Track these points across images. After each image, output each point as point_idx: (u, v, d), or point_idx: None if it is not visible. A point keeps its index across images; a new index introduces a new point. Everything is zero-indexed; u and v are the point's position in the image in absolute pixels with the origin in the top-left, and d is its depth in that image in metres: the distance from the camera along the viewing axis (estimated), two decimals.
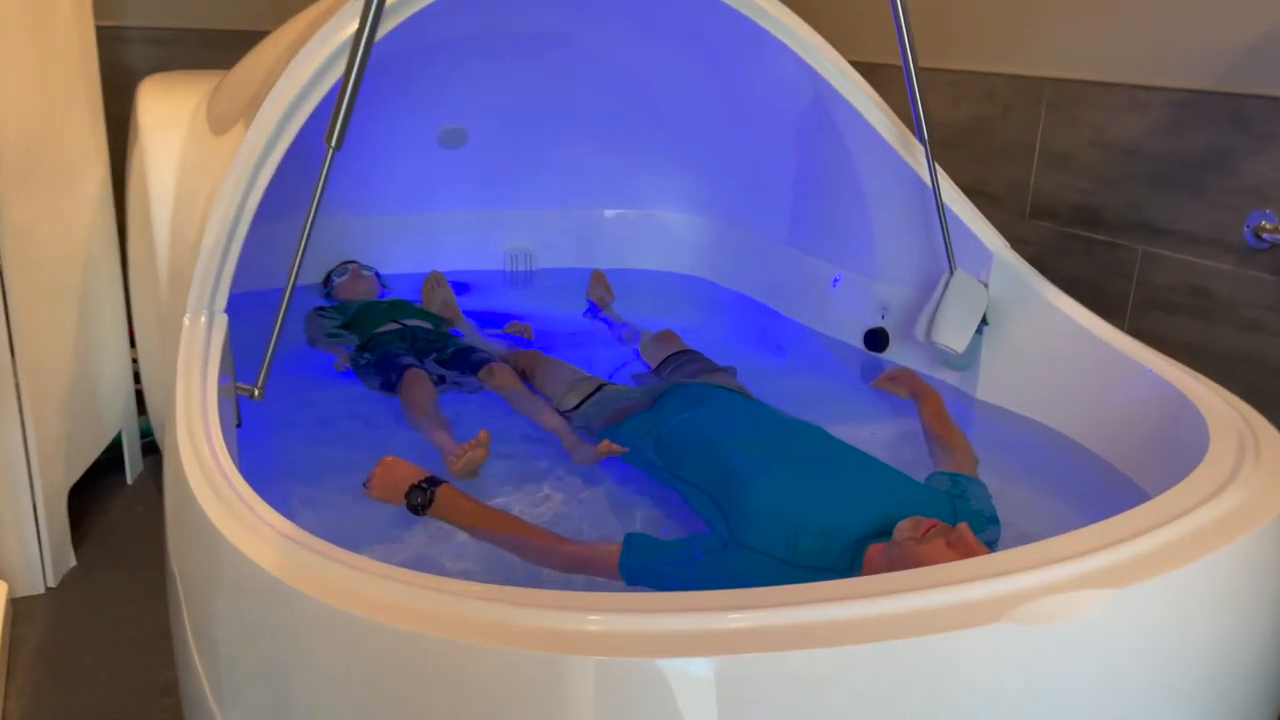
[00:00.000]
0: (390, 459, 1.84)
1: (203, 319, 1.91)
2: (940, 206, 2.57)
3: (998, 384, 2.63)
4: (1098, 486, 2.23)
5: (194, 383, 1.73)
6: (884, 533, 1.58)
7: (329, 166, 1.91)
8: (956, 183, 2.62)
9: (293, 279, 1.97)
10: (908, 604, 1.23)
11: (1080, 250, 2.83)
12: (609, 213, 3.88)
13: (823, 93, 2.78)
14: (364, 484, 1.83)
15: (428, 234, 3.72)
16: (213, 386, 1.75)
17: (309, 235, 1.97)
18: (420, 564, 1.78)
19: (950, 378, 2.78)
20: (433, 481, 1.77)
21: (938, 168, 2.55)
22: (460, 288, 3.49)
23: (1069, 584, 1.30)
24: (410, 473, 1.79)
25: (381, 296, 3.33)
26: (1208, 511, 1.46)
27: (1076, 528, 2.11)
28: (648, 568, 1.60)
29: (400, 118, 3.47)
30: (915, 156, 2.71)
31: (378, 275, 3.46)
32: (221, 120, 2.57)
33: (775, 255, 3.44)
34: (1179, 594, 1.33)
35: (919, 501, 1.70)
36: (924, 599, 1.24)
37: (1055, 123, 2.87)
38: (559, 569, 1.68)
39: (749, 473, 1.78)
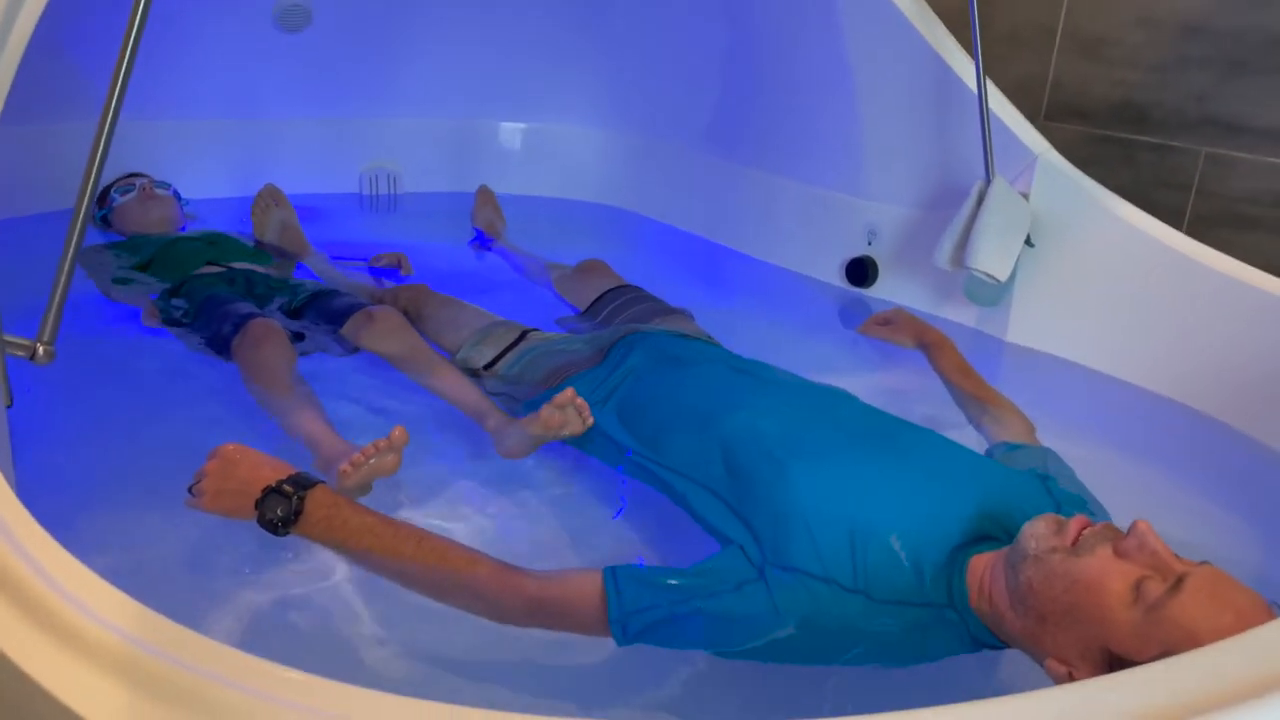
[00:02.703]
0: (230, 448, 1.22)
1: None
2: (983, 93, 1.99)
3: (1037, 323, 2.15)
4: (1215, 452, 1.80)
5: None
6: (983, 538, 1.14)
7: None
8: None
9: (96, 161, 1.22)
10: None
11: (1118, 157, 2.37)
12: (503, 125, 3.14)
13: None
14: (190, 489, 1.22)
15: (255, 148, 2.90)
16: None
17: (124, 82, 1.22)
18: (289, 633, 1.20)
19: (965, 317, 2.26)
20: (300, 482, 1.16)
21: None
22: (304, 214, 2.67)
23: None
24: (263, 469, 1.19)
25: (184, 229, 2.48)
26: None
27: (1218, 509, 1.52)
28: (653, 617, 1.08)
29: None
30: (931, 29, 2.13)
31: (178, 196, 2.54)
32: None
33: (711, 174, 2.81)
34: None
35: (1014, 489, 1.24)
36: None
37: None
38: (509, 619, 1.13)
39: (779, 458, 1.25)
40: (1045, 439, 1.54)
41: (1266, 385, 1.77)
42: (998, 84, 2.08)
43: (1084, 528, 1.03)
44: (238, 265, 2.14)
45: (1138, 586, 0.94)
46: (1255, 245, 2.13)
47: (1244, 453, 1.76)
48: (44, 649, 0.69)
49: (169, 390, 1.80)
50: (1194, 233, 2.20)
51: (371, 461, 1.36)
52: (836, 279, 2.47)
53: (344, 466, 1.36)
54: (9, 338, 1.19)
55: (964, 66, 2.12)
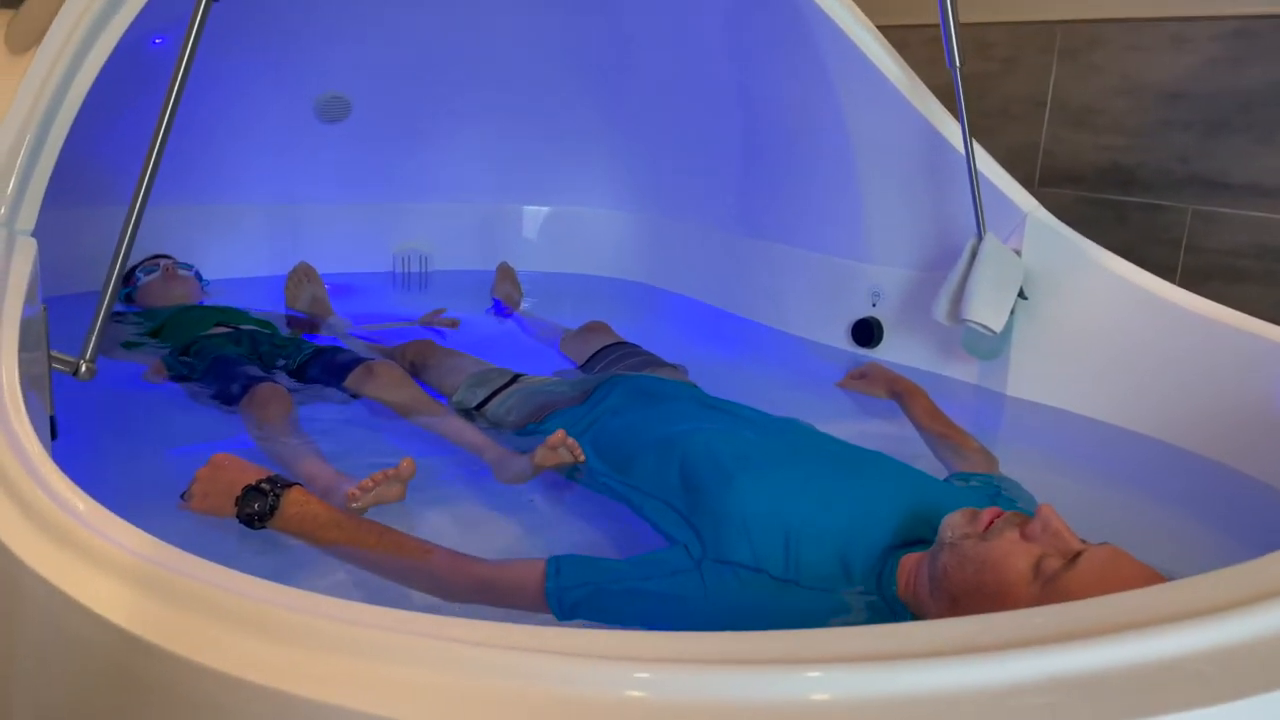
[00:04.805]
0: (220, 455, 1.36)
1: None
2: (971, 156, 2.10)
3: (1035, 375, 2.19)
4: (1217, 490, 1.81)
5: None
6: (916, 541, 1.22)
7: (202, 19, 1.28)
8: None
9: (138, 201, 1.32)
10: None
11: (1110, 218, 2.45)
12: (527, 209, 3.31)
13: (788, 27, 2.31)
14: (182, 495, 1.35)
15: (295, 230, 3.08)
16: (10, 327, 1.07)
17: (164, 138, 1.34)
18: None
19: (967, 374, 2.31)
20: (278, 482, 1.29)
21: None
22: (339, 290, 2.82)
23: None
24: (248, 472, 1.32)
25: (208, 303, 2.60)
26: None
27: (1212, 550, 1.57)
28: (587, 591, 1.18)
29: (264, 79, 2.82)
30: (923, 100, 2.26)
31: (199, 276, 2.71)
32: (24, 36, 1.88)
33: (723, 246, 2.93)
34: None
35: (957, 500, 1.30)
36: None
37: (1070, 73, 2.50)
38: (460, 597, 1.23)
39: (728, 470, 1.35)
40: (1051, 486, 1.59)
41: (1261, 424, 1.81)
42: (993, 155, 2.19)
43: (996, 517, 1.10)
44: (244, 327, 2.26)
45: (1038, 564, 1.01)
46: (1245, 296, 2.19)
47: (1244, 490, 1.78)
48: (65, 563, 0.79)
49: (169, 427, 1.88)
50: (1186, 287, 2.26)
51: (379, 489, 1.42)
52: (844, 341, 2.55)
53: (352, 490, 1.42)
54: (56, 354, 1.32)
55: (956, 134, 2.23)
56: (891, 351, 2.45)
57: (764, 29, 2.51)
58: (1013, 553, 1.03)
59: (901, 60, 2.26)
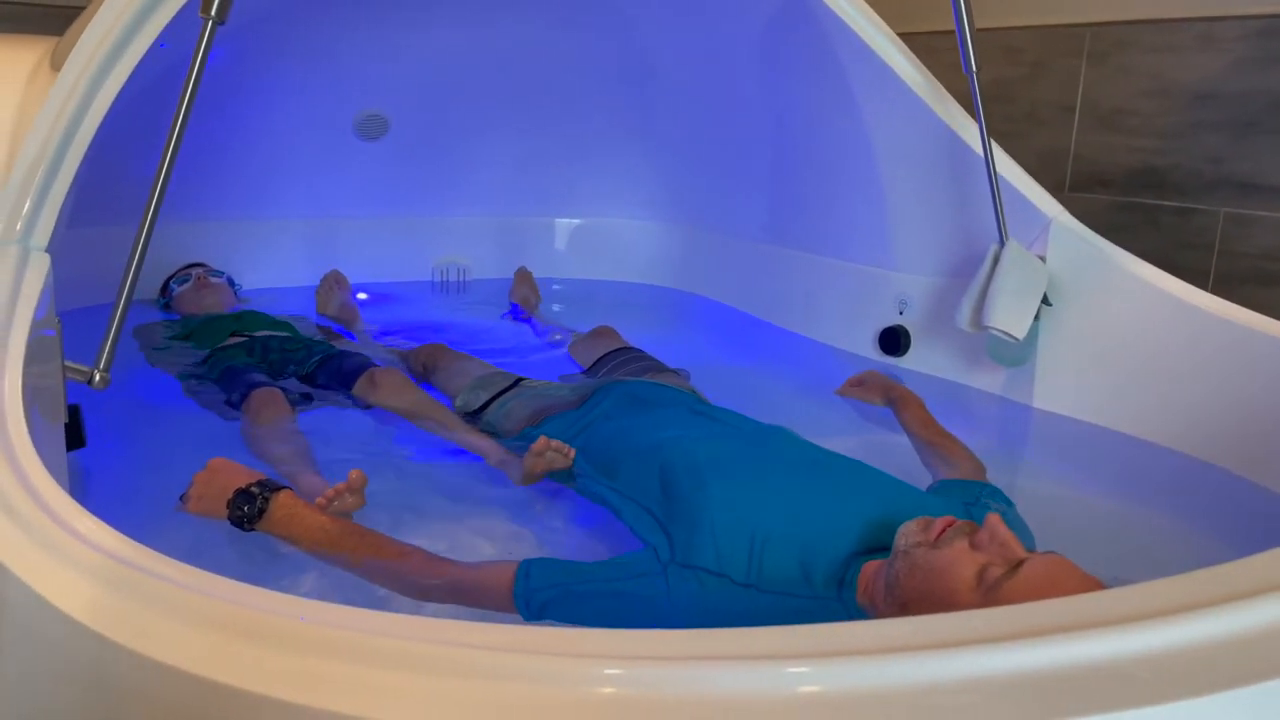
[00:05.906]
0: (218, 461, 1.43)
1: (13, 251, 1.28)
2: (990, 161, 2.08)
3: (1061, 385, 2.15)
4: (1251, 513, 1.74)
5: None
6: (881, 548, 1.24)
7: (207, 42, 1.33)
8: None
9: (149, 216, 1.37)
10: None
11: (1142, 221, 2.40)
12: (558, 221, 3.36)
13: (812, 38, 2.32)
14: (181, 497, 1.42)
15: (337, 244, 3.13)
16: (17, 344, 1.12)
17: (173, 157, 1.39)
18: None
19: (993, 384, 2.28)
20: (268, 486, 1.35)
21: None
22: (379, 299, 2.88)
23: None
24: (240, 476, 1.38)
25: (236, 310, 2.67)
26: None
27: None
28: (554, 593, 1.22)
29: (306, 98, 2.90)
30: (944, 106, 2.24)
31: (231, 282, 2.79)
32: (64, 53, 1.97)
33: (754, 256, 2.94)
34: None
35: (927, 509, 1.30)
36: None
37: (1100, 75, 2.47)
38: (434, 597, 1.28)
39: (701, 477, 1.39)
40: (1072, 500, 1.57)
41: None
42: (1021, 160, 2.15)
43: (948, 526, 1.11)
44: (259, 334, 2.33)
45: (982, 572, 1.03)
46: (1279, 300, 2.14)
47: (1275, 507, 1.74)
48: (37, 561, 0.83)
49: (189, 435, 1.91)
50: (1219, 291, 2.21)
51: (335, 504, 1.44)
52: (871, 350, 2.54)
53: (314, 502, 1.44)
54: (70, 364, 1.37)
55: (978, 140, 2.21)
56: (918, 360, 2.43)
57: (791, 42, 2.51)
58: (959, 561, 1.06)
59: (924, 67, 2.24)
